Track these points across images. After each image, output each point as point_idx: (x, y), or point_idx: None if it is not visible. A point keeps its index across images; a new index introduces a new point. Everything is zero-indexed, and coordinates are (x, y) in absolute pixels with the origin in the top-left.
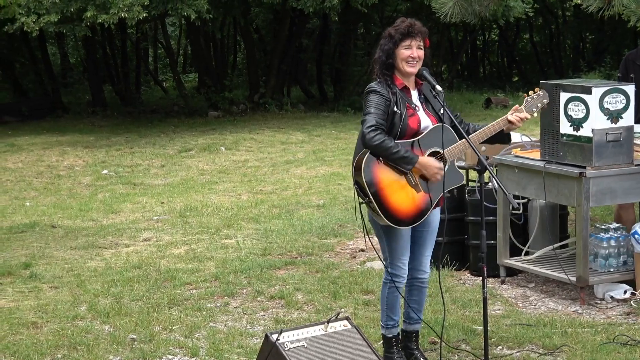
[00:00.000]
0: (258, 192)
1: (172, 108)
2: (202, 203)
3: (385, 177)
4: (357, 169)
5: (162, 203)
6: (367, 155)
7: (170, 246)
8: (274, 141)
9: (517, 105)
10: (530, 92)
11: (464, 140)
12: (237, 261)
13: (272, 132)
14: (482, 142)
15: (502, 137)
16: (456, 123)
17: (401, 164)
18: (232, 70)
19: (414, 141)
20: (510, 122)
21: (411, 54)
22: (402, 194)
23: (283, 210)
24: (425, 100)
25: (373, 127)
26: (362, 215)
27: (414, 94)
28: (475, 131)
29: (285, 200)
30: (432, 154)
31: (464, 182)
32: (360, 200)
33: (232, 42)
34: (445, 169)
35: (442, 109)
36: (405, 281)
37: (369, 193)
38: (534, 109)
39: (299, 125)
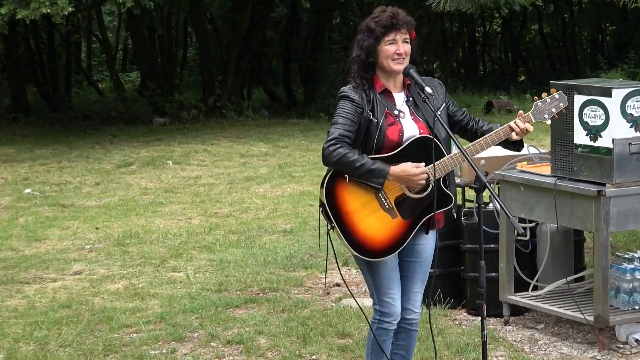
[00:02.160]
0: (212, 215)
1: (109, 114)
2: (144, 228)
3: (353, 199)
4: (322, 188)
5: (97, 229)
6: (331, 172)
7: (106, 281)
8: (232, 153)
9: (521, 112)
10: (544, 95)
11: (454, 154)
12: (186, 299)
13: (230, 143)
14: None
15: (504, 143)
16: (451, 135)
17: (370, 179)
18: (181, 68)
19: (387, 156)
20: (512, 130)
21: (397, 50)
22: (372, 220)
23: (242, 237)
24: (414, 105)
25: (334, 141)
26: (330, 241)
27: (399, 97)
28: (482, 134)
29: (245, 224)
30: None
31: (453, 203)
32: (328, 225)
33: (181, 34)
34: (428, 190)
35: (435, 115)
36: (397, 321)
37: (332, 218)
38: (546, 115)
39: (262, 135)
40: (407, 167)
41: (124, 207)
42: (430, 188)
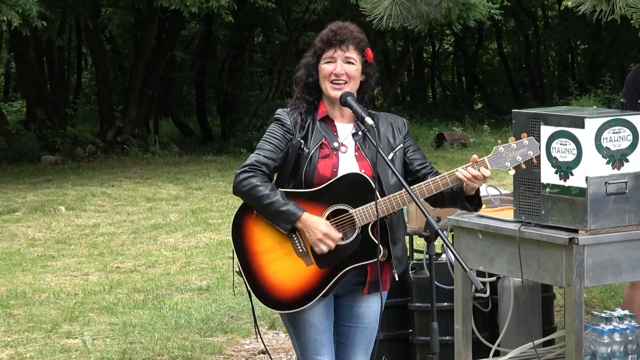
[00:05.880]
0: (113, 271)
1: None
2: (32, 287)
3: (264, 237)
4: (232, 225)
5: None
6: (240, 206)
7: None
8: (136, 197)
9: (475, 156)
10: (511, 139)
11: (387, 198)
12: None
13: (134, 185)
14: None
15: (459, 198)
16: (402, 182)
17: (277, 221)
18: (75, 96)
19: (311, 192)
20: (460, 179)
21: (334, 70)
22: (282, 264)
23: (149, 296)
24: (362, 141)
25: (247, 168)
26: (250, 297)
27: (345, 128)
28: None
29: (153, 281)
30: (336, 213)
31: (382, 258)
32: (237, 269)
33: (75, 56)
34: (353, 237)
35: (377, 149)
36: None
37: (237, 260)
38: (509, 164)
39: (171, 175)
40: (320, 225)
41: (7, 262)
42: (355, 235)
